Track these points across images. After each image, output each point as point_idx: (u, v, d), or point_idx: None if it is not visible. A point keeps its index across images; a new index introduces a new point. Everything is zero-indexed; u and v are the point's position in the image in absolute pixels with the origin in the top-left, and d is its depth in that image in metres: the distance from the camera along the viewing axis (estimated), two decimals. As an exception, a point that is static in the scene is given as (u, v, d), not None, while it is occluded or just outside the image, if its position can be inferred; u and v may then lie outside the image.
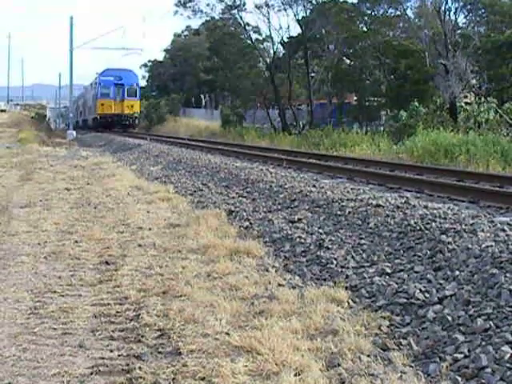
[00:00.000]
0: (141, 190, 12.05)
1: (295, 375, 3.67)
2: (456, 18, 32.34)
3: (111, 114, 44.97)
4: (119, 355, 4.09)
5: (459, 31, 32.69)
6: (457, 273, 4.85)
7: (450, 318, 4.24)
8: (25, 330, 4.55)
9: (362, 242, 6.29)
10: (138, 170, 16.14)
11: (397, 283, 5.08)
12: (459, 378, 3.59)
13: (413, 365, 3.84)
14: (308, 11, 38.73)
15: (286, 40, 40.29)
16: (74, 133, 37.94)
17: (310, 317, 4.58)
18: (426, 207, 6.92)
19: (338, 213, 7.48)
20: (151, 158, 18.94)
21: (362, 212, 7.21)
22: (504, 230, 5.50)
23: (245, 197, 9.85)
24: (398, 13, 37.28)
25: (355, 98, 41.09)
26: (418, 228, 6.12)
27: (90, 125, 49.38)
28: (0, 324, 4.66)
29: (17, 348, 4.20)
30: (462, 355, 3.79)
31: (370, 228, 6.60)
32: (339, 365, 3.82)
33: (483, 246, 5.14)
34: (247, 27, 41.34)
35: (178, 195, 11.15)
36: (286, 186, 9.66)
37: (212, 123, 44.22)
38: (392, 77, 36.50)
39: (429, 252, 5.47)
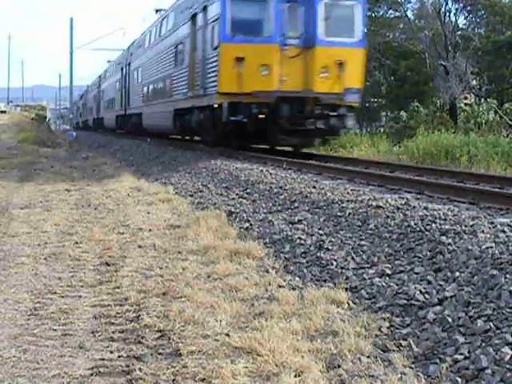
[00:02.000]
0: (141, 191, 12.05)
1: (295, 376, 3.67)
2: (456, 20, 32.40)
3: (277, 92, 14.62)
4: (119, 356, 4.09)
5: (459, 32, 32.75)
6: (457, 274, 4.85)
7: (450, 320, 4.23)
8: (25, 331, 4.55)
9: (362, 243, 6.29)
10: (138, 171, 16.14)
11: (397, 284, 5.08)
12: (459, 379, 3.59)
13: (413, 366, 3.84)
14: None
15: (286, 41, 40.24)
16: (74, 134, 37.93)
17: (310, 318, 4.58)
18: (426, 208, 6.92)
19: (338, 214, 7.47)
20: (151, 159, 18.94)
21: (362, 213, 7.21)
22: (504, 232, 5.50)
23: (245, 198, 9.85)
24: (398, 14, 37.33)
25: (355, 99, 41.06)
26: (418, 229, 6.12)
27: (167, 129, 22.07)
28: (0, 325, 4.66)
29: (17, 349, 4.19)
30: (462, 356, 3.79)
31: (370, 229, 6.60)
32: (339, 366, 3.82)
33: (483, 247, 5.13)
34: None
35: (178, 196, 11.16)
36: (286, 188, 9.66)
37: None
38: (392, 78, 36.56)
39: (429, 253, 5.47)
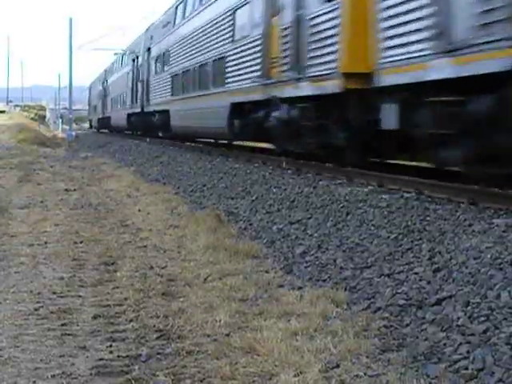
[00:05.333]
0: (140, 191, 12.07)
1: (295, 376, 3.67)
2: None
3: None
4: (119, 356, 4.09)
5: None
6: (456, 274, 4.85)
7: (449, 319, 4.24)
8: (24, 331, 4.55)
9: (362, 243, 6.29)
10: (138, 171, 16.15)
11: (396, 284, 5.08)
12: (458, 379, 3.59)
13: (412, 366, 3.84)
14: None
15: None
16: (74, 134, 37.94)
17: (310, 318, 4.58)
18: (425, 208, 6.92)
19: (338, 214, 7.48)
20: (150, 158, 18.94)
21: (362, 213, 7.21)
22: (503, 232, 5.51)
23: (244, 198, 9.86)
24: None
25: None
26: (417, 229, 6.12)
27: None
28: (0, 325, 4.66)
29: (16, 349, 4.20)
30: (462, 356, 3.79)
31: (370, 229, 6.60)
32: (339, 366, 3.82)
33: (482, 247, 5.14)
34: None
35: (177, 196, 11.17)
36: (286, 187, 9.66)
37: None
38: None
39: (428, 253, 5.47)
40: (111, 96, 35.68)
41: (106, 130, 43.42)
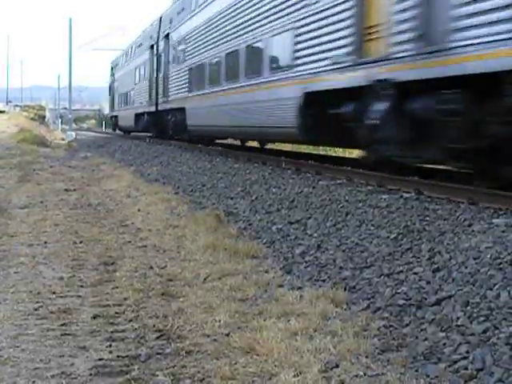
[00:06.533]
0: (140, 191, 12.06)
1: (294, 376, 3.67)
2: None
3: None
4: (118, 356, 4.09)
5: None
6: (455, 274, 4.86)
7: (448, 319, 4.24)
8: (24, 331, 4.55)
9: (361, 243, 6.29)
10: (137, 171, 16.15)
11: (396, 284, 5.08)
12: (458, 379, 3.59)
13: (412, 366, 3.84)
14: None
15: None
16: (74, 134, 37.95)
17: (309, 318, 4.59)
18: (424, 208, 6.93)
19: (337, 214, 7.48)
20: (150, 158, 18.93)
21: (361, 213, 7.21)
22: (503, 232, 5.51)
23: (243, 198, 9.85)
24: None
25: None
26: (416, 229, 6.12)
27: None
28: (0, 325, 4.67)
29: (16, 349, 4.20)
30: (461, 356, 3.79)
31: (369, 229, 6.60)
32: (338, 366, 3.83)
33: (482, 247, 5.14)
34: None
35: (177, 196, 11.16)
36: (285, 187, 9.66)
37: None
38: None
39: (427, 253, 5.47)
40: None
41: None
